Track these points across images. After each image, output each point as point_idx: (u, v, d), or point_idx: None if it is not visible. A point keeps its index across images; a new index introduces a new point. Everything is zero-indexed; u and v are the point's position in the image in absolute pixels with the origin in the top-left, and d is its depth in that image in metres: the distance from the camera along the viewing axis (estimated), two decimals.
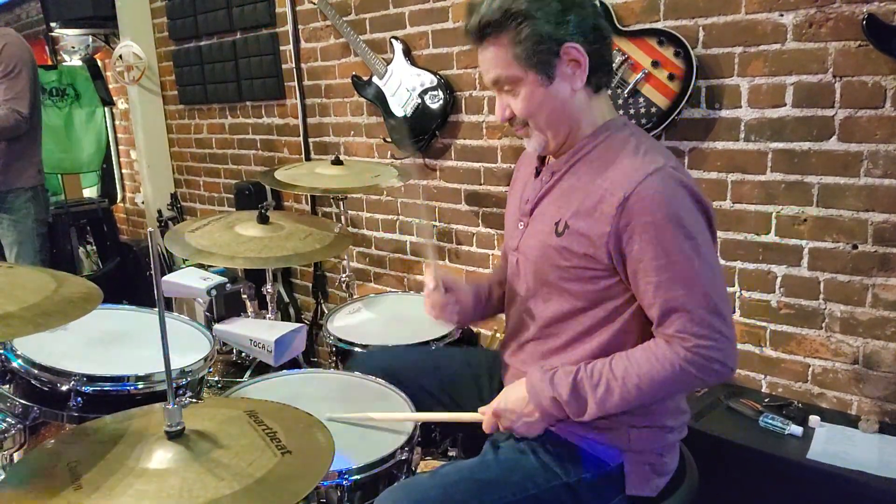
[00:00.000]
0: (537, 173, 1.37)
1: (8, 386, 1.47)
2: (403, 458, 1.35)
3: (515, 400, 1.26)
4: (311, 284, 3.49)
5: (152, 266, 0.96)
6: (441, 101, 2.61)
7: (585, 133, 1.27)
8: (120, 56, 4.06)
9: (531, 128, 1.26)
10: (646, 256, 1.14)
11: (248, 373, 2.58)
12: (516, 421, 1.25)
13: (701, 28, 1.97)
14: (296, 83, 3.26)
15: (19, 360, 1.45)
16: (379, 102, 2.78)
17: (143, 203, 4.53)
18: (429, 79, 2.63)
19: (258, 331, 1.96)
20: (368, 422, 1.45)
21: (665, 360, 1.15)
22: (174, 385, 1.52)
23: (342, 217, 2.65)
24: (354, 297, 2.43)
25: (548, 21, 1.18)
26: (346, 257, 2.75)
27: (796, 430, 1.69)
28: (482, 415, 1.31)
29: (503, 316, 1.52)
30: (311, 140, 3.31)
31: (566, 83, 1.22)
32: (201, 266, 2.35)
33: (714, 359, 1.14)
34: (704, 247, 1.15)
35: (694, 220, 1.15)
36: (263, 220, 2.11)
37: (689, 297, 1.13)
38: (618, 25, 2.07)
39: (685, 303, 1.13)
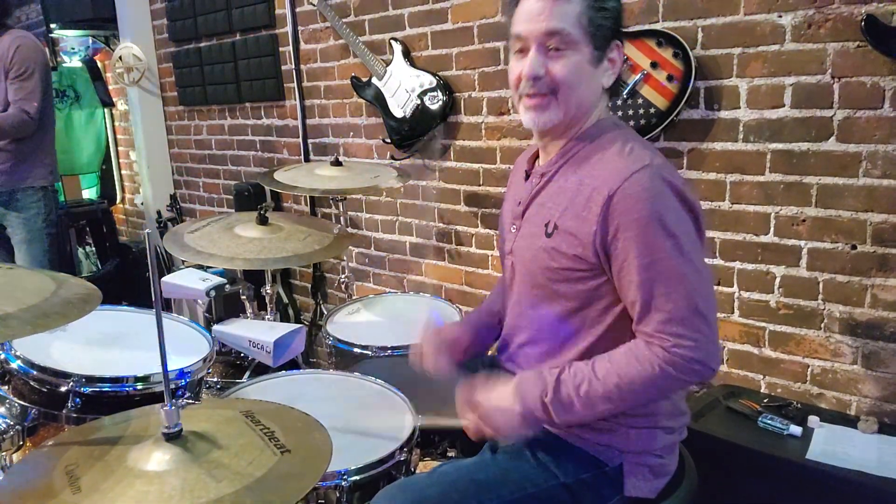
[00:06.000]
0: (527, 176, 1.37)
1: (6, 387, 1.47)
2: (402, 458, 1.35)
3: (498, 397, 1.23)
4: (310, 285, 3.49)
5: (150, 267, 0.96)
6: (440, 102, 2.61)
7: (585, 127, 1.27)
8: (120, 57, 4.07)
9: (555, 100, 1.22)
10: (629, 254, 1.14)
11: (247, 374, 2.58)
12: (499, 420, 1.22)
13: (700, 29, 1.97)
14: (295, 84, 3.26)
15: (18, 361, 1.45)
16: (378, 103, 2.78)
17: (142, 204, 4.53)
18: (428, 80, 2.63)
19: (257, 332, 1.96)
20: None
21: (645, 361, 1.14)
22: (173, 386, 1.52)
23: (341, 218, 2.65)
24: (353, 297, 2.43)
25: (617, 8, 1.23)
26: (345, 258, 2.75)
27: (795, 430, 1.69)
28: (467, 421, 1.27)
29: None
30: (310, 141, 3.31)
31: (601, 75, 1.24)
32: (200, 267, 2.35)
33: (693, 359, 1.12)
34: (688, 246, 1.14)
35: (678, 219, 1.15)
36: (263, 221, 2.11)
37: (669, 296, 1.12)
38: None
39: (665, 302, 1.13)
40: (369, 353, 1.88)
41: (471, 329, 1.50)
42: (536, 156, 1.39)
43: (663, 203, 1.14)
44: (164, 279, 2.20)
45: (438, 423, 1.42)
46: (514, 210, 1.37)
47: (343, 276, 2.66)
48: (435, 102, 2.62)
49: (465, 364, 1.58)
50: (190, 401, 1.51)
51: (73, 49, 4.67)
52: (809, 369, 1.92)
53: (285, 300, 3.56)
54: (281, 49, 3.31)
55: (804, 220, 1.87)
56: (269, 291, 2.31)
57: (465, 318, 1.53)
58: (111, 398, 1.45)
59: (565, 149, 1.28)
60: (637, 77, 2.01)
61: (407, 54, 2.70)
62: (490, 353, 1.63)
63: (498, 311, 1.54)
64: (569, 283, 1.23)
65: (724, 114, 1.96)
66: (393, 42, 2.72)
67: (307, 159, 3.33)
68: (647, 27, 2.04)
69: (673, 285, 1.13)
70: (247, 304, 2.31)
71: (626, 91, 2.02)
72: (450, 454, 1.64)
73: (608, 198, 1.15)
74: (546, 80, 1.21)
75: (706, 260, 1.22)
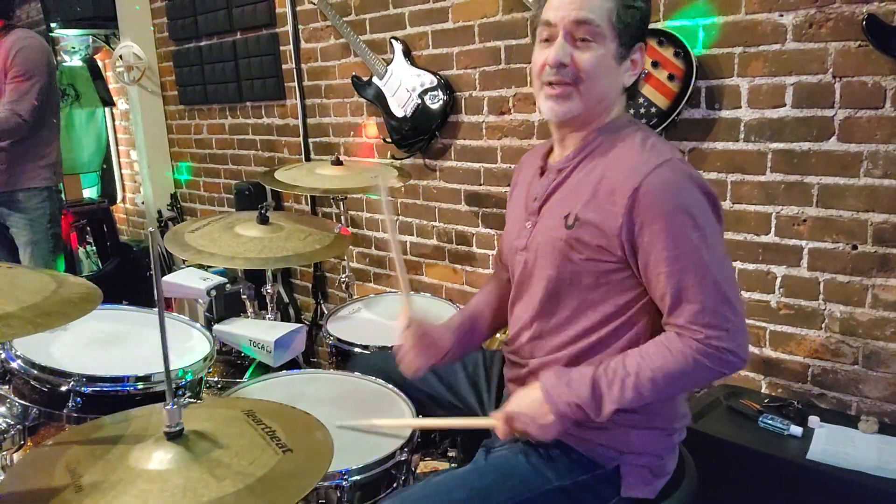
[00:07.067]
0: (542, 172, 1.37)
1: (7, 386, 1.47)
2: (403, 458, 1.35)
3: (530, 403, 1.23)
4: (310, 285, 3.49)
5: (152, 266, 0.96)
6: (441, 102, 2.61)
7: (603, 123, 1.27)
8: (120, 56, 4.07)
9: (577, 91, 1.22)
10: (656, 247, 1.15)
11: (247, 373, 2.58)
12: (530, 424, 1.22)
13: (701, 28, 1.97)
14: (296, 83, 3.26)
15: (19, 361, 1.45)
16: (379, 103, 2.78)
17: (142, 203, 4.53)
18: (429, 79, 2.63)
19: (258, 331, 1.96)
20: (376, 429, 1.42)
21: (678, 353, 1.14)
22: (173, 386, 1.52)
23: (342, 217, 2.65)
24: (354, 297, 2.43)
25: (646, 10, 1.25)
26: (345, 258, 2.75)
27: (796, 430, 1.69)
28: (496, 420, 1.27)
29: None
30: (311, 140, 3.31)
31: (623, 74, 1.25)
32: (201, 266, 2.35)
33: (726, 349, 1.13)
34: (713, 237, 1.16)
35: (703, 210, 1.16)
36: (263, 220, 2.11)
37: (699, 286, 1.13)
38: None
39: (696, 293, 1.13)
40: (369, 353, 1.88)
41: (453, 334, 1.45)
42: (550, 151, 1.38)
43: (688, 195, 1.16)
44: (164, 278, 2.20)
45: (462, 424, 1.42)
46: (529, 206, 1.36)
47: (343, 275, 2.66)
48: (435, 102, 2.62)
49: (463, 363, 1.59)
50: (192, 400, 1.51)
51: (73, 48, 4.67)
52: (810, 369, 1.92)
53: (286, 300, 3.56)
54: (282, 48, 3.31)
55: (805, 220, 1.87)
56: (269, 291, 2.31)
57: (448, 322, 1.49)
58: (112, 398, 1.45)
59: (584, 143, 1.28)
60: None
61: (408, 53, 2.70)
62: (494, 348, 1.63)
63: (482, 313, 1.53)
64: (591, 275, 1.23)
65: (725, 113, 1.96)
66: (394, 41, 2.72)
67: (308, 158, 3.34)
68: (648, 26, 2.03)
69: (702, 276, 1.14)
70: (247, 304, 2.31)
71: None
72: (450, 454, 1.65)
73: (634, 191, 1.15)
74: (570, 68, 1.21)
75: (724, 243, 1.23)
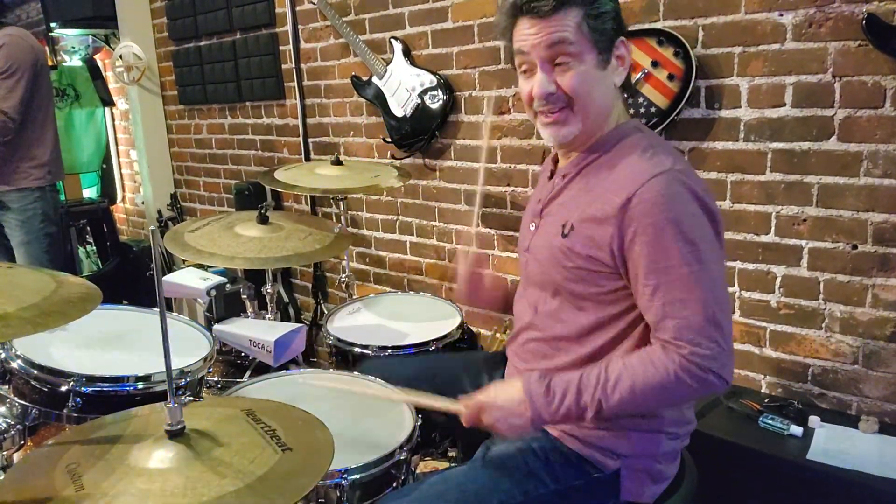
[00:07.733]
0: (551, 176, 1.37)
1: (7, 386, 1.47)
2: (402, 458, 1.35)
3: (507, 398, 1.21)
4: (310, 285, 3.49)
5: (154, 265, 0.96)
6: (440, 101, 2.61)
7: (606, 131, 1.26)
8: (120, 56, 4.07)
9: (572, 113, 1.22)
10: (645, 259, 1.13)
11: (247, 373, 2.58)
12: (501, 419, 1.20)
13: (700, 28, 1.97)
14: (295, 83, 3.26)
15: (18, 361, 1.45)
16: (378, 102, 2.78)
17: (142, 203, 4.53)
18: (428, 79, 2.63)
19: (258, 331, 1.97)
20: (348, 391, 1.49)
21: (660, 366, 1.12)
22: (173, 385, 1.52)
23: (342, 217, 2.65)
24: (354, 297, 2.43)
25: (615, 9, 1.21)
26: (345, 257, 2.75)
27: (796, 430, 1.69)
28: (464, 407, 1.24)
29: (502, 315, 1.51)
30: (310, 140, 3.31)
31: (612, 75, 1.23)
32: (201, 266, 2.35)
33: (709, 368, 1.11)
34: (707, 253, 1.13)
35: (697, 225, 1.14)
36: (263, 220, 2.11)
37: (685, 303, 1.11)
38: None
39: (681, 309, 1.11)
40: (369, 352, 1.88)
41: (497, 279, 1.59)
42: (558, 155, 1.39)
43: (681, 208, 1.13)
44: (164, 278, 2.20)
45: (429, 402, 1.40)
46: (535, 208, 1.37)
47: (343, 275, 2.66)
48: (435, 101, 2.62)
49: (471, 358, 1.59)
50: (192, 398, 1.51)
51: (73, 48, 4.67)
52: (810, 369, 1.92)
53: (286, 299, 3.56)
54: (281, 48, 3.31)
55: (805, 220, 1.87)
56: (269, 291, 2.31)
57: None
58: (112, 398, 1.45)
59: (586, 152, 1.27)
60: (638, 76, 2.01)
61: (407, 53, 2.70)
62: (494, 348, 1.63)
63: None
64: (584, 283, 1.23)
65: (724, 113, 1.96)
66: (393, 41, 2.72)
67: (308, 158, 3.33)
68: (647, 26, 2.03)
69: (688, 292, 1.11)
70: (247, 304, 2.31)
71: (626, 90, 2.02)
72: (450, 453, 1.64)
73: (626, 201, 1.14)
74: (558, 94, 1.21)
75: (724, 263, 1.21)
